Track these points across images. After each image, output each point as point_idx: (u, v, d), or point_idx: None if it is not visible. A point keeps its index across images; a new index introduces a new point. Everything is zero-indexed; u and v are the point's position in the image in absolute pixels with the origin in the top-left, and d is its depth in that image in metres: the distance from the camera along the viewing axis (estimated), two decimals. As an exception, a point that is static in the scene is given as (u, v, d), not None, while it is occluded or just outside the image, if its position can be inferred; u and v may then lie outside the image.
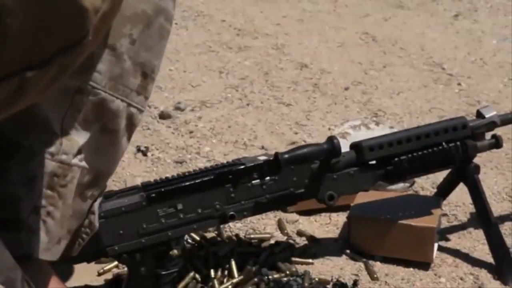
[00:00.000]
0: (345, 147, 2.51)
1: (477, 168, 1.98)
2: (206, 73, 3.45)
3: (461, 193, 2.15)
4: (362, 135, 2.57)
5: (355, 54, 3.71)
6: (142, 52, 1.40)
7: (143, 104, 1.49)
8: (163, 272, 1.74)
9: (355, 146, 1.91)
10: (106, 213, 1.65)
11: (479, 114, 2.02)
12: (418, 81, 3.39)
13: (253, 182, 1.79)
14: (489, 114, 2.01)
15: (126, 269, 1.73)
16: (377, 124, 2.67)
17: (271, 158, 1.80)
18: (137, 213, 1.68)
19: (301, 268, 1.96)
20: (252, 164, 1.80)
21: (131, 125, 1.49)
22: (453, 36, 3.95)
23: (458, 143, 1.93)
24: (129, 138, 1.53)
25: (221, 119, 2.96)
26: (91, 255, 1.69)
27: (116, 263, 1.91)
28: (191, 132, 2.84)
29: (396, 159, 1.89)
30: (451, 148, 1.93)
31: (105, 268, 1.93)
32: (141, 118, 1.52)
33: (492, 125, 2.00)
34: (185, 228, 1.74)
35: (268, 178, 1.81)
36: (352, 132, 2.59)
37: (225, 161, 1.84)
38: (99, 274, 1.92)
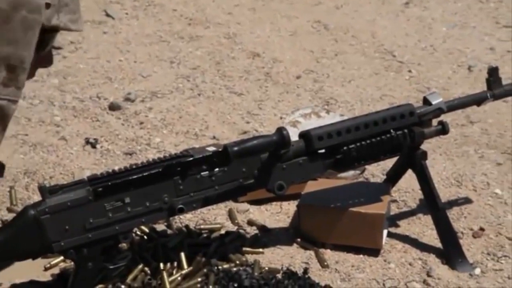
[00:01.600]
0: (295, 136, 2.51)
1: (424, 155, 2.00)
2: (157, 63, 3.42)
3: (410, 179, 2.17)
4: (313, 123, 2.57)
5: (307, 43, 3.71)
6: (4, 46, 1.45)
7: (16, 94, 1.54)
8: (111, 267, 1.72)
9: (303, 135, 1.90)
10: (51, 209, 1.62)
11: (426, 101, 2.03)
12: (370, 68, 3.40)
13: (202, 173, 1.78)
14: (435, 101, 2.02)
15: (73, 263, 1.71)
16: (328, 112, 2.68)
17: (220, 149, 1.79)
18: (84, 207, 1.65)
19: (251, 258, 1.95)
20: (201, 155, 1.78)
21: (3, 116, 1.50)
22: (404, 24, 3.98)
23: (406, 130, 1.95)
24: (3, 129, 1.55)
25: (172, 109, 2.93)
26: (36, 251, 1.65)
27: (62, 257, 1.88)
28: (141, 123, 2.81)
29: (345, 147, 1.89)
30: (398, 135, 1.94)
31: (52, 263, 1.90)
32: (15, 108, 1.55)
33: (438, 111, 2.02)
34: (133, 222, 1.72)
35: (217, 169, 1.79)
36: (302, 121, 2.59)
37: (175, 152, 1.82)
38: (46, 269, 1.89)
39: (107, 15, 3.96)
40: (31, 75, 1.60)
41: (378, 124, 1.91)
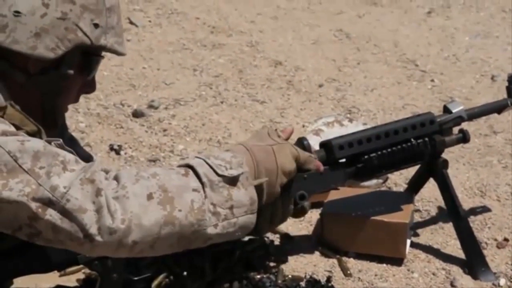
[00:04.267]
0: (318, 145, 2.52)
1: (445, 163, 1.99)
2: (180, 71, 3.44)
3: (433, 188, 2.17)
4: (335, 132, 2.58)
5: (329, 51, 3.72)
6: None
7: None
8: (135, 278, 1.73)
9: (324, 144, 1.89)
10: None
11: (446, 109, 2.03)
12: (392, 77, 3.41)
13: None
14: (456, 109, 2.02)
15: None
16: (351, 120, 2.68)
17: None
18: None
19: (274, 266, 1.96)
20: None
21: None
22: (426, 33, 3.98)
23: (426, 138, 1.94)
24: None
25: (195, 117, 2.95)
26: (62, 263, 1.67)
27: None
28: (164, 130, 2.83)
29: (366, 156, 1.89)
30: (419, 144, 1.93)
31: (67, 270, 1.90)
32: None
33: (459, 119, 2.02)
34: None
35: None
36: (325, 129, 2.60)
37: None
38: (61, 275, 1.90)
39: (131, 22, 4.00)
40: (75, 100, 1.60)
41: (398, 133, 1.91)
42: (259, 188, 1.48)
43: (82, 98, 3.04)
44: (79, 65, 1.51)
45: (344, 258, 2.01)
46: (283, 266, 1.95)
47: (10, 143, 1.31)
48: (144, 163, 2.58)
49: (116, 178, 1.36)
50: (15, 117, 1.43)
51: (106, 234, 1.30)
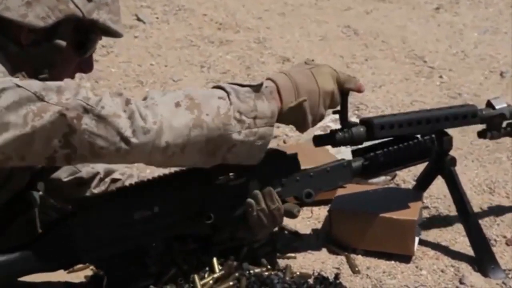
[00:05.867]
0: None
1: (453, 161, 1.98)
2: (188, 67, 3.44)
3: (442, 185, 2.16)
4: (343, 128, 2.57)
5: (336, 48, 3.71)
6: None
7: None
8: (142, 277, 1.73)
9: (365, 122, 1.85)
10: (82, 219, 1.63)
11: (489, 104, 2.00)
12: (400, 74, 3.39)
13: (230, 181, 1.77)
14: (499, 106, 1.99)
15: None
16: (359, 117, 2.67)
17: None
18: (114, 218, 1.66)
19: (282, 262, 1.95)
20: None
21: None
22: (435, 29, 3.96)
23: (434, 136, 1.93)
24: None
25: (202, 113, 2.94)
26: (68, 262, 1.67)
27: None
28: (172, 127, 2.82)
29: (371, 153, 1.88)
30: (426, 141, 1.92)
31: (74, 267, 1.90)
32: None
33: (501, 117, 1.99)
34: (162, 232, 1.72)
35: (244, 177, 1.78)
36: (333, 126, 2.58)
37: None
38: (69, 272, 1.90)
39: (138, 19, 4.00)
40: (71, 77, 1.62)
41: (439, 121, 1.90)
42: (300, 108, 1.55)
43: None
44: (74, 41, 1.54)
45: (352, 255, 2.01)
46: (291, 263, 1.95)
47: (33, 84, 1.37)
48: (152, 160, 2.57)
49: (144, 97, 1.46)
50: None
51: (141, 134, 1.37)
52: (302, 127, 1.62)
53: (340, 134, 1.79)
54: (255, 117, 1.49)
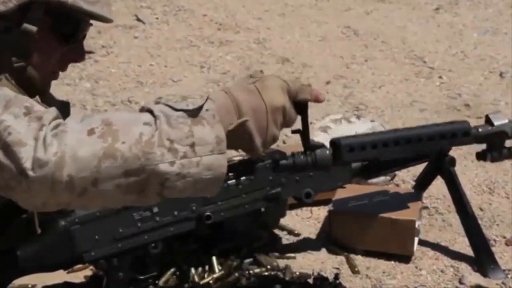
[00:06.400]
0: (326, 142, 2.51)
1: (453, 161, 1.98)
2: (187, 68, 3.44)
3: (442, 185, 2.16)
4: (343, 129, 2.58)
5: (336, 48, 3.70)
6: None
7: None
8: (141, 277, 1.73)
9: (333, 143, 1.68)
10: (81, 219, 1.63)
11: (488, 121, 1.79)
12: (400, 74, 3.39)
13: (229, 182, 1.77)
14: (498, 122, 1.78)
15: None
16: (358, 117, 2.67)
17: (246, 158, 1.78)
18: (113, 217, 1.66)
19: (282, 263, 1.95)
20: (227, 164, 1.77)
21: None
22: (434, 30, 3.96)
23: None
24: None
25: (202, 114, 2.94)
26: (67, 262, 1.67)
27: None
28: (172, 127, 2.82)
29: None
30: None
31: (74, 267, 1.90)
32: None
33: (502, 135, 1.77)
34: (161, 231, 1.71)
35: (243, 178, 1.78)
36: (333, 126, 2.59)
37: None
38: (68, 272, 1.90)
39: (138, 19, 4.00)
40: (61, 67, 1.57)
41: (422, 141, 1.66)
42: (243, 130, 1.31)
43: (89, 95, 3.08)
44: (52, 27, 1.47)
45: (352, 255, 2.01)
46: (290, 263, 1.95)
47: None
48: (152, 160, 2.57)
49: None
50: (10, 88, 1.40)
51: (38, 168, 1.20)
52: (251, 152, 1.36)
53: (302, 157, 1.56)
54: (193, 144, 1.25)
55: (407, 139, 1.62)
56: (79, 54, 1.54)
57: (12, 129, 1.23)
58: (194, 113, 1.27)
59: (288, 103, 1.36)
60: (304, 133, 1.49)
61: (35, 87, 1.51)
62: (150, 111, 1.26)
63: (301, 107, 1.39)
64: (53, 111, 1.28)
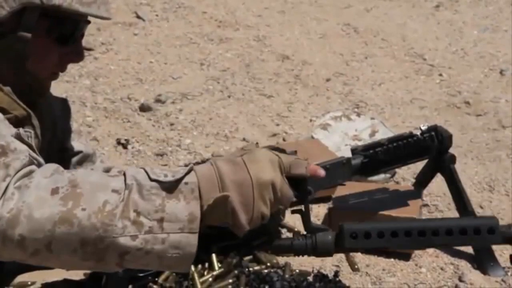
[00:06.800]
0: (326, 139, 2.51)
1: (453, 158, 1.98)
2: (187, 65, 3.44)
3: (442, 183, 2.15)
4: (343, 126, 2.57)
5: (336, 45, 3.70)
6: None
7: None
8: (141, 274, 1.72)
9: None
10: None
11: None
12: (400, 72, 3.39)
13: None
14: None
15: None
16: (358, 115, 2.67)
17: None
18: None
19: (282, 260, 1.95)
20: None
21: None
22: (434, 27, 3.96)
23: (433, 133, 1.92)
24: None
25: (202, 111, 2.94)
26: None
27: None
28: (172, 124, 2.82)
29: (371, 151, 1.88)
30: (426, 138, 1.92)
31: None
32: None
33: None
34: None
35: None
36: (333, 124, 2.59)
37: (203, 156, 1.83)
38: (68, 269, 1.89)
39: (138, 17, 3.99)
40: (59, 68, 1.55)
41: (438, 235, 1.40)
42: (224, 206, 1.20)
43: (89, 93, 3.08)
44: (48, 30, 1.44)
45: (352, 253, 2.00)
46: (290, 261, 1.94)
47: None
48: (151, 157, 2.57)
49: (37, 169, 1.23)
50: (3, 101, 1.39)
51: None
52: (235, 228, 1.24)
53: (300, 241, 1.40)
54: (162, 219, 1.16)
55: (421, 231, 1.40)
56: (77, 55, 1.52)
57: None
58: (171, 185, 1.19)
59: (279, 178, 1.24)
60: (304, 213, 1.38)
61: (35, 90, 1.50)
62: (125, 177, 1.20)
63: (298, 184, 1.28)
64: (24, 157, 1.22)
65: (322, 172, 1.32)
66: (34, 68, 1.48)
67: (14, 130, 1.31)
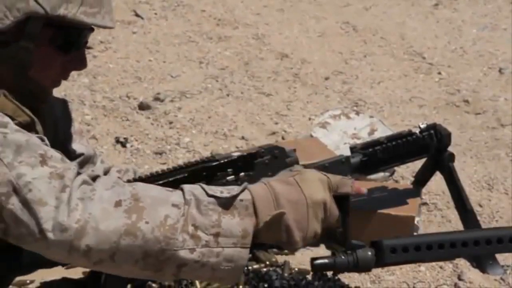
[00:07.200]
0: (325, 137, 2.51)
1: (452, 157, 1.97)
2: (186, 63, 3.43)
3: (441, 182, 2.15)
4: (342, 124, 2.57)
5: (335, 44, 3.70)
6: None
7: None
8: None
9: (374, 243, 1.48)
10: None
11: None
12: (399, 70, 3.39)
13: (228, 178, 1.76)
14: None
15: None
16: (357, 113, 2.67)
17: (245, 154, 1.77)
18: None
19: (281, 259, 1.95)
20: (226, 160, 1.77)
21: None
22: (433, 25, 3.96)
23: (432, 131, 1.92)
24: None
25: (201, 109, 2.94)
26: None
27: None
28: (170, 123, 2.82)
29: (370, 149, 1.88)
30: (425, 137, 1.91)
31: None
32: None
33: None
34: None
35: (242, 174, 1.78)
36: (332, 122, 2.59)
37: (200, 158, 1.82)
38: (67, 268, 1.89)
39: (136, 15, 3.99)
40: (62, 76, 1.55)
41: (467, 246, 1.47)
42: (279, 223, 1.27)
43: (87, 91, 3.07)
44: (51, 38, 1.43)
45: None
46: (289, 259, 1.94)
47: None
48: (150, 156, 2.57)
49: (94, 180, 1.28)
50: (8, 107, 1.39)
51: (58, 231, 1.20)
52: (288, 246, 1.31)
53: (343, 258, 1.45)
54: (217, 234, 1.23)
55: (452, 243, 1.47)
56: (80, 62, 1.51)
57: (33, 186, 1.22)
58: (227, 202, 1.26)
59: (329, 198, 1.32)
60: (344, 230, 1.43)
61: (37, 97, 1.50)
62: (183, 191, 1.26)
63: (341, 202, 1.36)
64: (73, 167, 1.27)
65: (364, 190, 1.41)
66: (37, 76, 1.47)
67: (35, 136, 1.33)
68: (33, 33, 1.42)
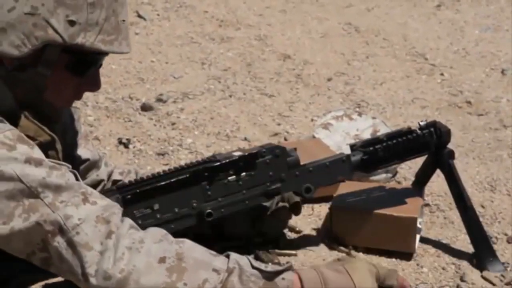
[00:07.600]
0: (328, 138, 2.51)
1: (451, 153, 1.97)
2: (189, 64, 3.44)
3: (443, 183, 2.15)
4: (344, 125, 2.57)
5: (338, 45, 3.70)
6: None
7: None
8: None
9: None
10: None
11: None
12: (401, 71, 3.39)
13: (229, 178, 1.76)
14: None
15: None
16: (360, 114, 2.67)
17: (246, 154, 1.78)
18: None
19: (283, 260, 1.95)
20: (227, 160, 1.77)
21: None
22: (436, 26, 3.96)
23: (432, 129, 1.92)
24: None
25: (203, 110, 2.94)
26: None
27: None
28: (173, 124, 2.82)
29: (370, 148, 1.89)
30: (425, 134, 1.91)
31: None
32: None
33: None
34: (162, 228, 1.71)
35: (244, 174, 1.78)
36: (334, 123, 2.58)
37: (202, 158, 1.82)
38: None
39: (139, 16, 3.99)
40: (76, 97, 1.54)
41: None
42: None
43: (90, 92, 3.07)
44: (67, 63, 1.43)
45: (353, 253, 2.00)
46: (292, 260, 1.94)
47: (32, 176, 1.30)
48: (153, 157, 2.57)
49: (145, 231, 1.35)
50: (30, 128, 1.41)
51: (101, 278, 1.26)
52: None
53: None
54: None
55: None
56: (94, 84, 1.52)
57: (80, 229, 1.28)
58: (269, 276, 1.31)
59: None
60: None
61: (51, 117, 1.51)
62: (229, 258, 1.32)
63: None
64: (118, 211, 1.33)
65: (408, 284, 1.48)
66: (51, 98, 1.48)
67: (70, 171, 1.38)
68: (50, 60, 1.42)
